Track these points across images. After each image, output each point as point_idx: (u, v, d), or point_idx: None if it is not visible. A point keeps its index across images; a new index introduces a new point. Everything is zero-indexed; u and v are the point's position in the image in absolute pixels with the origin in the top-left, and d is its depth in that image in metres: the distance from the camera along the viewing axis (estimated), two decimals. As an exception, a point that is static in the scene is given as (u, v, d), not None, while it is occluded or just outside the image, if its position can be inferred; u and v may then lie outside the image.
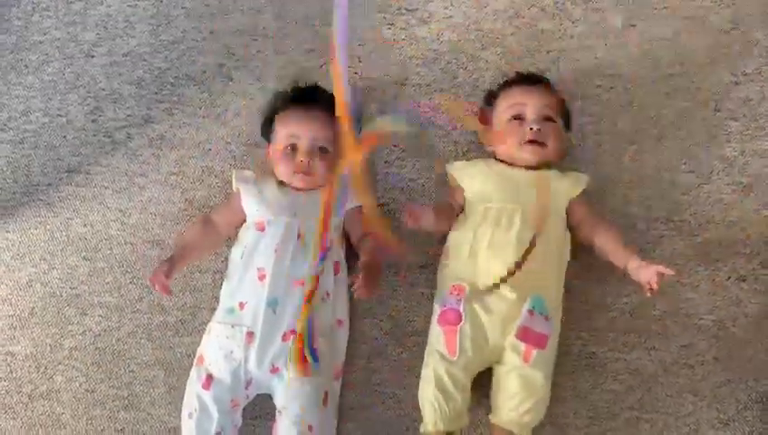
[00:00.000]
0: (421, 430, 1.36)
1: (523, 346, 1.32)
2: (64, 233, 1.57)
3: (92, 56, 1.67)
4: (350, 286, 1.40)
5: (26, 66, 1.66)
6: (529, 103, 1.46)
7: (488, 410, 1.40)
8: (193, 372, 1.39)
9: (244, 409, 1.42)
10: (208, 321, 1.44)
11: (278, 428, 1.38)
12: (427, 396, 1.35)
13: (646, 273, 1.34)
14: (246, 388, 1.37)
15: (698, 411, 1.47)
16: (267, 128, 1.54)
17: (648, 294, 1.34)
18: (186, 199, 1.58)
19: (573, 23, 1.66)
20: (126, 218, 1.58)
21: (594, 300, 1.52)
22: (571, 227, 1.47)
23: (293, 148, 1.47)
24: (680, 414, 1.47)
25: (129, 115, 1.64)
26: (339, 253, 1.46)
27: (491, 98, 1.56)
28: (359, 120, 1.33)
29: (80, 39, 1.67)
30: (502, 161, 1.50)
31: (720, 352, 1.49)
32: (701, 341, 1.50)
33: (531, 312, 1.33)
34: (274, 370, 1.35)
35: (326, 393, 1.38)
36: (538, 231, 1.35)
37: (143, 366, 1.50)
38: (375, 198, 1.44)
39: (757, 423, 1.46)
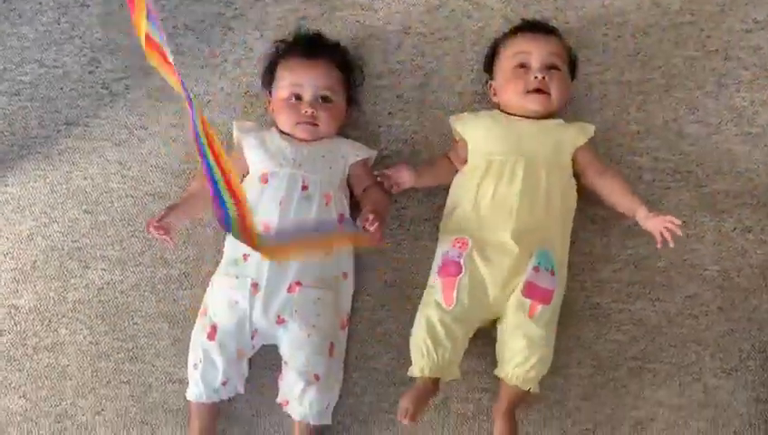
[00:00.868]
0: (408, 373, 1.37)
1: (528, 302, 1.32)
2: (64, 186, 1.56)
3: (87, 5, 1.62)
4: (362, 229, 1.35)
5: (20, 16, 1.62)
6: (534, 51, 1.43)
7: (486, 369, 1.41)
8: (197, 323, 1.40)
9: (250, 359, 1.42)
10: (211, 274, 1.44)
11: (284, 377, 1.39)
12: (418, 342, 1.35)
13: (654, 223, 1.34)
14: (252, 338, 1.38)
15: (701, 361, 1.48)
16: (268, 78, 1.51)
17: (659, 245, 1.34)
18: (186, 152, 1.56)
19: (581, -31, 1.61)
20: (126, 171, 1.56)
21: (598, 251, 1.51)
22: (576, 175, 1.45)
23: (297, 97, 1.44)
24: (683, 364, 1.48)
25: (126, 66, 1.60)
26: (343, 204, 1.45)
27: (494, 48, 1.53)
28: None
29: (74, -13, 1.63)
30: (507, 113, 1.47)
31: (724, 303, 1.50)
32: (705, 291, 1.50)
33: (536, 268, 1.33)
34: (280, 320, 1.35)
35: (332, 344, 1.39)
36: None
37: (147, 319, 1.50)
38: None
39: (759, 372, 1.47)
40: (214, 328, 1.36)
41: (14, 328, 1.51)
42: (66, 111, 1.59)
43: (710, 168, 1.54)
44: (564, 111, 1.50)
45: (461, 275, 1.34)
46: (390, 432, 1.47)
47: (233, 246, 1.40)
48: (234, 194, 1.09)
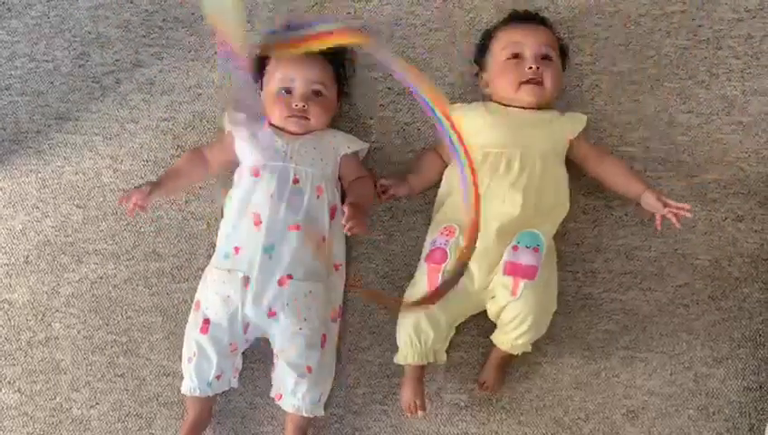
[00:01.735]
0: (394, 360, 1.39)
1: (510, 280, 1.32)
2: (56, 181, 1.56)
3: (77, -2, 1.62)
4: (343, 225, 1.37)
5: (9, 10, 1.61)
6: (527, 42, 1.43)
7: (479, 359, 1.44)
8: (191, 318, 1.40)
9: (243, 353, 1.43)
10: (204, 267, 1.44)
11: (277, 371, 1.39)
12: (403, 330, 1.37)
13: (658, 206, 1.35)
14: (244, 332, 1.38)
15: (692, 350, 1.49)
16: (259, 70, 1.51)
17: (658, 227, 1.36)
18: (177, 145, 1.56)
19: (573, -42, 1.61)
20: (118, 165, 1.56)
21: (589, 242, 1.52)
22: (577, 165, 1.45)
23: (288, 91, 1.44)
24: (674, 353, 1.49)
25: (117, 60, 1.60)
26: (335, 197, 1.45)
27: (485, 40, 1.52)
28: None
29: (63, -20, 1.62)
30: (500, 103, 1.47)
31: (715, 292, 1.50)
32: (697, 281, 1.51)
33: (515, 247, 1.33)
34: (271, 314, 1.36)
35: (324, 336, 1.39)
36: (465, 259, 1.19)
37: (141, 312, 1.51)
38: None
39: (750, 360, 1.48)
40: (207, 322, 1.37)
41: (8, 323, 1.51)
42: (57, 106, 1.58)
43: (701, 157, 1.55)
44: (556, 102, 1.50)
45: (446, 263, 1.35)
46: (383, 423, 1.48)
47: (226, 240, 1.40)
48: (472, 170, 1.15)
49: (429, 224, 1.48)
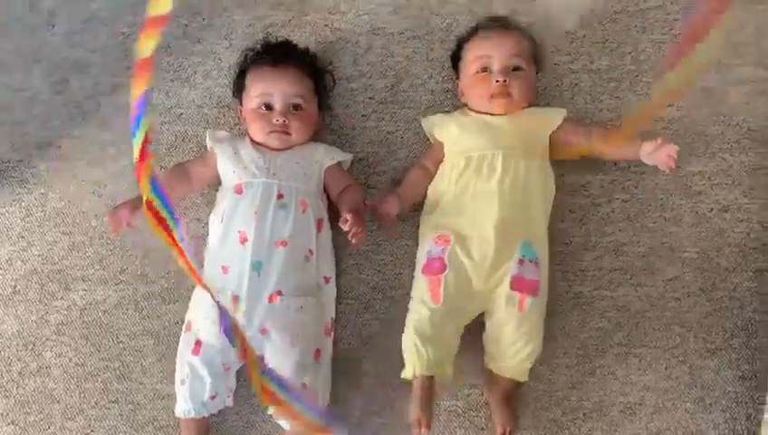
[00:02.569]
0: (402, 375, 1.36)
1: (517, 296, 1.33)
2: (41, 209, 1.55)
3: (52, 25, 1.61)
4: (345, 234, 1.36)
5: (-15, 40, 1.61)
6: (495, 55, 1.43)
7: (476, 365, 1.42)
8: (182, 339, 1.39)
9: (238, 371, 1.42)
10: (194, 287, 1.43)
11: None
12: (408, 343, 1.36)
13: (659, 156, 1.37)
14: None
15: (686, 343, 1.49)
16: (239, 87, 1.51)
17: (667, 171, 1.38)
18: (161, 166, 1.55)
19: (546, -41, 1.61)
20: (102, 190, 1.55)
21: (578, 241, 1.52)
22: (569, 150, 1.45)
23: (268, 107, 1.43)
24: (668, 346, 1.49)
25: (96, 84, 1.59)
26: (321, 210, 1.45)
27: (458, 49, 1.52)
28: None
29: (38, 7, 1.61)
30: (477, 112, 1.48)
31: (705, 284, 1.51)
32: (686, 273, 1.51)
33: (521, 261, 1.34)
34: (263, 331, 1.35)
35: (317, 350, 1.39)
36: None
37: (132, 336, 1.50)
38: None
39: (743, 350, 1.49)
40: (198, 343, 1.36)
41: (-1, 355, 1.50)
42: (38, 133, 1.58)
43: (684, 150, 1.54)
44: (536, 102, 1.51)
45: (446, 272, 1.34)
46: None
47: (212, 260, 1.40)
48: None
49: (417, 231, 1.48)
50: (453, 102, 1.57)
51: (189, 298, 1.43)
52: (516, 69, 1.44)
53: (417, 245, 1.47)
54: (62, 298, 1.51)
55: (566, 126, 1.46)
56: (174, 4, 1.57)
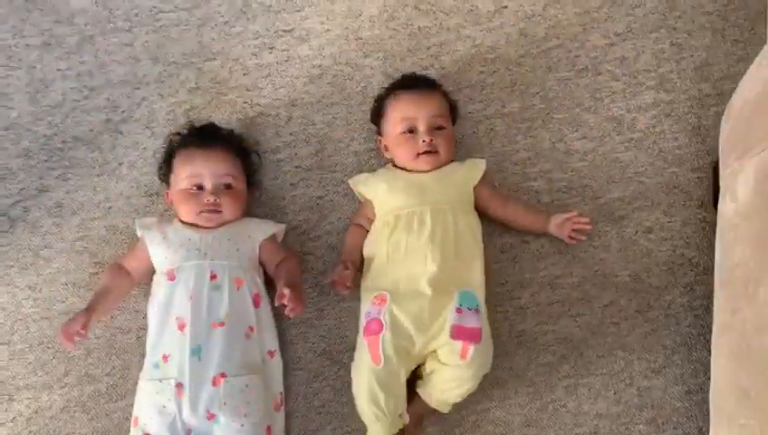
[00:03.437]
0: None
1: (459, 344, 1.34)
2: (-24, 321, 1.53)
3: (-28, 136, 1.62)
4: (281, 308, 1.39)
5: None
6: (419, 116, 1.49)
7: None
8: None
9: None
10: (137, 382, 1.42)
11: None
12: (363, 408, 1.37)
13: (565, 228, 1.49)
14: (189, 432, 1.36)
15: (630, 365, 1.52)
16: (166, 171, 1.53)
17: (573, 243, 1.52)
18: (95, 262, 1.55)
19: (447, 14, 1.69)
20: (37, 294, 1.54)
21: (513, 279, 1.56)
22: (481, 211, 1.51)
23: (199, 187, 1.46)
24: (614, 371, 1.52)
25: (22, 189, 1.59)
26: (258, 284, 1.46)
27: (379, 107, 1.57)
28: None
29: (-44, 120, 1.62)
30: (401, 168, 1.52)
31: (640, 305, 1.55)
32: (621, 297, 1.55)
33: (459, 310, 1.36)
34: (210, 416, 1.34)
35: (269, 428, 1.38)
36: None
37: (81, 440, 1.47)
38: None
39: (686, 365, 1.52)
40: None
41: (-55, 479, 1.45)
42: (-33, 245, 1.57)
43: (602, 178, 1.62)
44: (455, 151, 1.56)
45: (383, 332, 1.36)
46: (346, 502, 1.46)
47: (153, 350, 1.39)
48: None
49: (359, 291, 1.50)
50: (378, 160, 1.61)
51: (135, 392, 1.41)
52: (439, 128, 1.49)
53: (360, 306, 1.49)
54: (6, 410, 1.48)
55: (484, 184, 1.52)
56: (94, 101, 1.61)
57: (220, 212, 1.46)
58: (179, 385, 1.33)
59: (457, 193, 1.49)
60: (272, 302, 1.47)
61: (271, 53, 1.67)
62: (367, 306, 1.42)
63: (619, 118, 1.65)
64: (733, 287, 1.20)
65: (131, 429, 1.38)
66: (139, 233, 1.49)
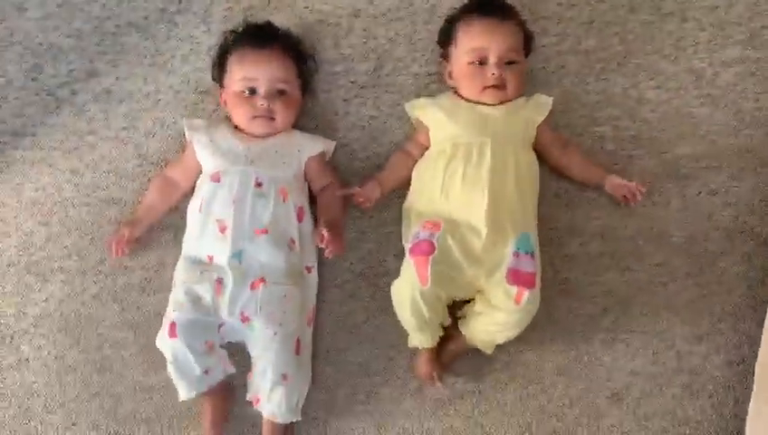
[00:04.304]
0: (409, 344, 1.41)
1: (514, 289, 1.30)
2: (16, 199, 1.51)
3: (25, 9, 1.56)
4: (317, 247, 1.39)
5: (-45, 25, 1.56)
6: (491, 47, 1.40)
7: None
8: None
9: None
10: (173, 277, 1.40)
11: (253, 377, 1.36)
12: (408, 321, 1.36)
13: (622, 190, 1.44)
14: (218, 331, 1.35)
15: (673, 328, 1.48)
16: (220, 71, 1.47)
17: (625, 202, 1.45)
18: (139, 154, 1.52)
19: (531, -62, 1.57)
20: (79, 179, 1.52)
21: (564, 226, 1.50)
22: (539, 152, 1.44)
23: (251, 91, 1.40)
24: (655, 332, 1.48)
25: (71, 70, 1.55)
26: (301, 199, 1.42)
27: (448, 31, 1.48)
28: None
29: (10, -8, 1.57)
30: (464, 98, 1.45)
31: (693, 268, 1.49)
32: (674, 258, 1.49)
33: (516, 253, 1.31)
34: (244, 318, 1.33)
35: (298, 341, 1.36)
36: None
37: (112, 328, 1.47)
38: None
39: (731, 334, 1.47)
40: (173, 326, 1.31)
41: (-24, 348, 1.47)
42: (12, 121, 1.53)
43: (672, 133, 1.53)
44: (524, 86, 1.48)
45: (434, 254, 1.30)
46: (367, 423, 1.46)
47: (196, 247, 1.37)
48: None
49: (401, 219, 1.45)
50: (438, 86, 1.53)
51: (169, 289, 1.40)
52: (511, 62, 1.41)
53: (402, 230, 1.44)
54: (39, 290, 1.48)
55: (546, 126, 1.45)
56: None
57: (273, 119, 1.41)
58: (220, 281, 1.32)
59: (521, 129, 1.42)
60: (314, 217, 1.44)
61: (339, -43, 1.57)
62: (416, 228, 1.36)
63: (700, 71, 1.55)
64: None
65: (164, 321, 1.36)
66: (186, 134, 1.45)
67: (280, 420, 1.35)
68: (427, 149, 1.46)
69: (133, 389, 1.45)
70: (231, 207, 1.33)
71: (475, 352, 1.41)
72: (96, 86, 1.54)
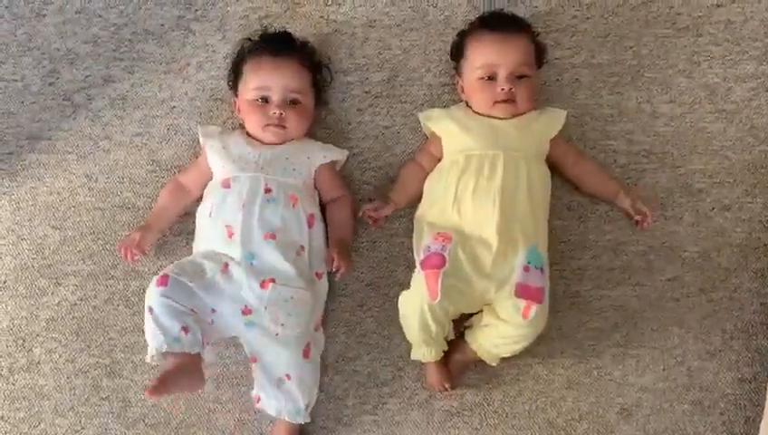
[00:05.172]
0: (411, 357, 1.41)
1: (522, 303, 1.29)
2: (30, 203, 1.52)
3: (44, 15, 1.58)
4: (329, 272, 1.40)
5: (-25, 30, 1.58)
6: (500, 63, 1.39)
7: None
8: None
9: (226, 364, 1.41)
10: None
11: (256, 377, 1.37)
12: (414, 336, 1.37)
13: (635, 209, 1.44)
14: (212, 312, 1.31)
15: (684, 344, 1.47)
16: (235, 79, 1.48)
17: (637, 226, 1.44)
18: (153, 160, 1.53)
19: (546, -49, 1.58)
20: (93, 184, 1.53)
21: (576, 239, 1.49)
22: (553, 165, 1.44)
23: (264, 99, 1.41)
24: (666, 347, 1.47)
25: (87, 76, 1.56)
26: (312, 206, 1.42)
27: (459, 46, 1.48)
28: None
29: (29, -3, 1.59)
30: (478, 113, 1.45)
31: (705, 284, 1.48)
32: (686, 273, 1.48)
33: (526, 268, 1.31)
34: (246, 311, 1.32)
35: (308, 344, 1.37)
36: None
37: (122, 332, 1.48)
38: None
39: (743, 352, 1.46)
40: (165, 277, 1.28)
41: (-12, 350, 1.48)
42: (28, 126, 1.55)
43: (685, 147, 1.53)
44: (537, 99, 1.48)
45: (445, 268, 1.30)
46: (374, 434, 1.45)
47: (206, 249, 1.38)
48: None
49: (412, 229, 1.45)
50: (451, 97, 1.54)
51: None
52: (522, 76, 1.41)
53: (413, 241, 1.44)
54: (52, 294, 1.49)
55: (560, 139, 1.45)
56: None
57: (285, 128, 1.41)
58: (226, 265, 1.32)
59: (533, 143, 1.42)
60: (325, 224, 1.44)
61: (355, -32, 1.58)
62: (427, 241, 1.36)
63: (714, 86, 1.54)
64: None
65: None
66: (201, 140, 1.46)
67: (286, 417, 1.36)
68: (439, 159, 1.46)
69: (143, 394, 1.46)
70: (240, 211, 1.34)
71: (484, 364, 1.41)
72: (112, 92, 1.56)
